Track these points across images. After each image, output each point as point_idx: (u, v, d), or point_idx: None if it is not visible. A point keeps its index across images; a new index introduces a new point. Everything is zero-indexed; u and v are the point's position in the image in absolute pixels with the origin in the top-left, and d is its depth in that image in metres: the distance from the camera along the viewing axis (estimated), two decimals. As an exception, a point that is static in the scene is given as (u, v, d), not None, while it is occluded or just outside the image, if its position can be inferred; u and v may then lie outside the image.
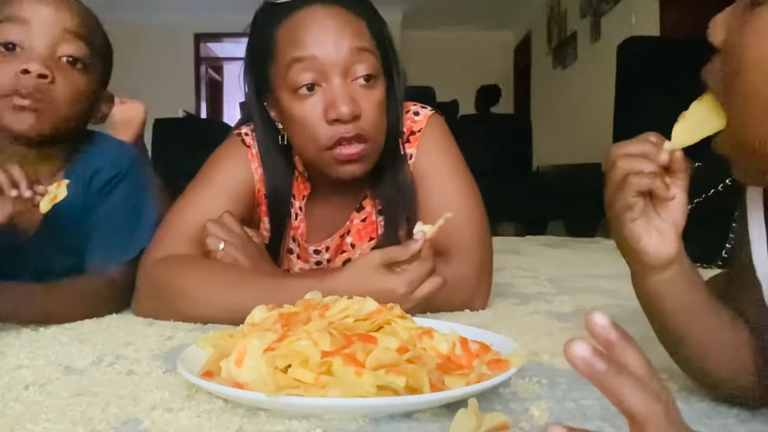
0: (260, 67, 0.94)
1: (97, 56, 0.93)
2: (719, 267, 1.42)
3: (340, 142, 0.88)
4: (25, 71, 0.84)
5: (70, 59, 0.89)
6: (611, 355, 0.29)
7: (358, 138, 0.88)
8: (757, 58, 0.41)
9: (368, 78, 0.89)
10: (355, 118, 0.87)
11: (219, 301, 0.84)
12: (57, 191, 0.81)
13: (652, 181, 0.47)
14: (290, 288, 0.82)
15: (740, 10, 0.43)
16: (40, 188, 0.79)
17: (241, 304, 0.75)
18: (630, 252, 0.50)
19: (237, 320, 0.67)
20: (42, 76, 0.85)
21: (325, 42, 0.87)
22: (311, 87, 0.88)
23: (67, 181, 0.82)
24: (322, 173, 0.95)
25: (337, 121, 0.86)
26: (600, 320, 0.30)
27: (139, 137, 1.44)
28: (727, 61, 0.44)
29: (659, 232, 0.49)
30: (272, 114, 0.96)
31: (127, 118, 1.43)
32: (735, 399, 0.52)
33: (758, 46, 0.41)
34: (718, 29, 0.45)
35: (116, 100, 1.46)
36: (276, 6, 0.91)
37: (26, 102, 0.85)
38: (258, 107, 0.97)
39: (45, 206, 0.80)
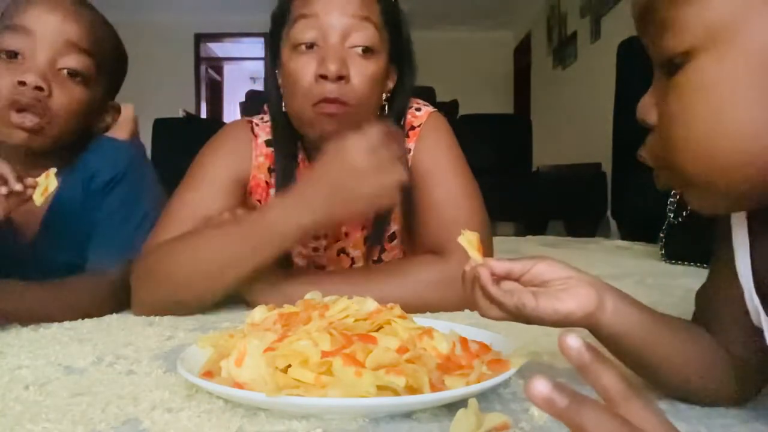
0: (276, 34, 0.97)
1: (103, 69, 0.93)
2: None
3: (324, 100, 0.89)
4: (22, 83, 0.84)
5: (70, 72, 0.88)
6: (587, 376, 0.30)
7: (341, 100, 0.90)
8: (688, 117, 0.41)
9: (366, 50, 0.91)
10: (341, 78, 0.89)
11: (203, 254, 0.85)
12: (47, 182, 0.81)
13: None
14: (269, 214, 0.83)
15: (661, 84, 0.44)
16: (29, 180, 0.79)
17: (223, 249, 0.80)
18: (564, 324, 0.50)
19: (223, 272, 0.71)
20: (38, 88, 0.84)
21: (330, 5, 0.90)
22: (310, 46, 0.91)
23: (54, 170, 0.82)
24: (307, 134, 0.96)
25: (323, 78, 0.89)
26: (573, 343, 0.30)
27: (135, 137, 1.45)
28: (663, 133, 0.44)
29: (563, 290, 0.51)
30: (279, 81, 0.97)
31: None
32: (711, 400, 0.53)
33: (685, 108, 0.41)
34: (648, 109, 0.45)
35: None
36: None
37: (25, 120, 0.84)
38: (273, 76, 1.00)
39: (38, 199, 0.80)
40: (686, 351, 0.51)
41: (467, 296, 0.54)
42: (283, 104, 0.97)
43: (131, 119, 1.48)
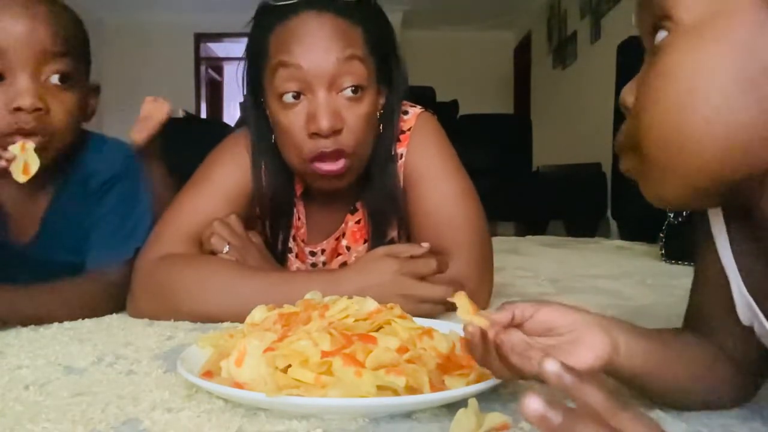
0: (256, 67, 0.93)
1: (81, 60, 0.90)
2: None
3: (321, 157, 0.87)
4: (19, 108, 0.80)
5: (57, 78, 0.85)
6: (572, 396, 0.30)
7: (339, 153, 0.87)
8: (659, 96, 0.42)
9: (356, 90, 0.87)
10: (336, 132, 0.86)
11: (224, 298, 0.84)
12: (25, 156, 0.79)
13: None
14: (296, 283, 0.82)
15: (645, 65, 0.44)
16: (6, 154, 0.78)
17: (247, 298, 0.76)
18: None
19: (242, 316, 0.67)
20: (37, 109, 0.81)
21: (312, 52, 0.85)
22: (296, 96, 0.87)
23: (32, 144, 0.80)
24: (306, 182, 0.96)
25: (316, 134, 0.86)
26: (552, 367, 0.30)
27: (154, 135, 1.43)
28: (636, 113, 0.44)
29: (574, 341, 0.48)
30: (267, 113, 0.95)
31: (146, 115, 1.42)
32: (716, 405, 0.52)
33: (659, 87, 0.42)
34: (628, 92, 0.46)
35: (148, 98, 1.45)
36: (273, 9, 0.90)
37: (30, 143, 0.82)
38: (254, 106, 0.97)
39: (19, 176, 0.79)
40: (691, 365, 0.50)
41: (478, 359, 0.49)
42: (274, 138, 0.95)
43: (158, 120, 1.44)
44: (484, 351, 0.48)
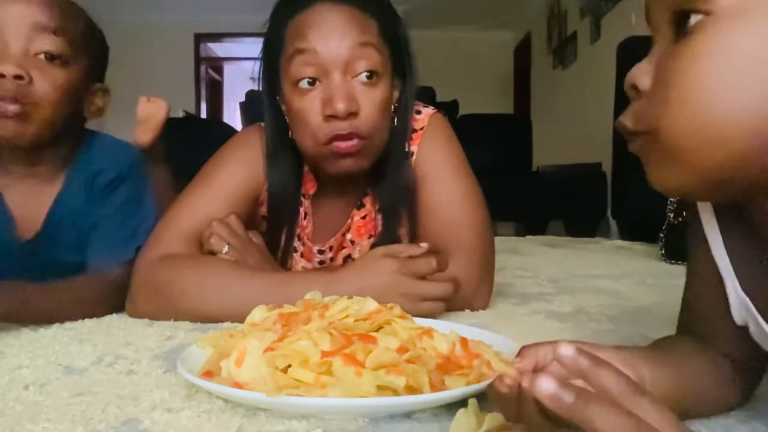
0: (272, 59, 0.94)
1: (78, 48, 0.90)
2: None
3: (336, 138, 0.88)
4: (1, 75, 0.82)
5: (47, 56, 0.86)
6: (588, 381, 0.29)
7: (354, 135, 0.88)
8: (692, 80, 0.38)
9: (370, 75, 0.89)
10: (352, 114, 0.87)
11: (223, 298, 0.84)
12: None
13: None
14: (295, 283, 0.82)
15: (664, 48, 0.41)
16: None
17: (246, 298, 0.76)
18: None
19: (242, 316, 0.67)
20: (18, 77, 0.83)
21: (328, 38, 0.87)
22: (312, 82, 0.88)
23: None
24: (322, 169, 0.95)
25: (333, 117, 0.87)
26: (567, 352, 0.30)
27: (158, 136, 1.43)
28: (657, 96, 0.41)
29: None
30: (282, 107, 0.96)
31: (146, 116, 1.41)
32: (723, 410, 0.52)
33: (693, 71, 0.38)
34: (643, 74, 0.42)
35: (142, 98, 1.44)
36: (290, 1, 0.92)
37: (10, 107, 0.83)
38: (270, 100, 0.98)
39: None
40: (698, 375, 0.50)
41: (511, 416, 0.42)
42: (290, 132, 0.96)
43: (160, 120, 1.43)
44: (518, 404, 0.40)
